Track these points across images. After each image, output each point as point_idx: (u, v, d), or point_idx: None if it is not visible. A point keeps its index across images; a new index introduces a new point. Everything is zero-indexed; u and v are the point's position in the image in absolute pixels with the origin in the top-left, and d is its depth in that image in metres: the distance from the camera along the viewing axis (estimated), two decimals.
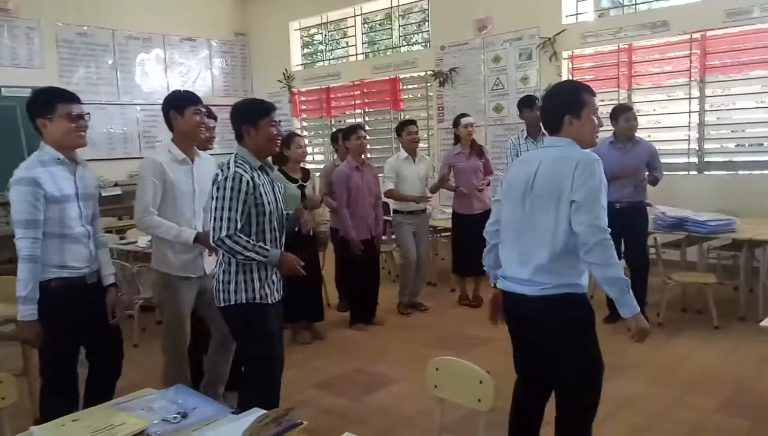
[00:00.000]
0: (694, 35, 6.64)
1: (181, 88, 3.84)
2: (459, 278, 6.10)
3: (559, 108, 2.47)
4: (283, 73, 10.59)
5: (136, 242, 5.85)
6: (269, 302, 2.85)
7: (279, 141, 2.94)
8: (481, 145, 5.96)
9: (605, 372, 2.49)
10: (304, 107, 10.77)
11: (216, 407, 2.15)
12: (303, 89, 10.59)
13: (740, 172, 6.65)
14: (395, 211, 5.93)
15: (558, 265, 2.36)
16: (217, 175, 2.78)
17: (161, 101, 3.34)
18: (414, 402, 3.80)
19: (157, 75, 9.96)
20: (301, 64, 10.90)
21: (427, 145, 8.89)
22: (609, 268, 2.28)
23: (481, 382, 2.17)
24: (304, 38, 10.94)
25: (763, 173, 6.47)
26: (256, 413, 1.98)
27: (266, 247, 2.78)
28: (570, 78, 7.62)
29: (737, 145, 7.02)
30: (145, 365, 4.18)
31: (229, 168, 2.75)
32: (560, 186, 2.33)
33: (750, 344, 4.28)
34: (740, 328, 4.86)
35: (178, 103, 3.24)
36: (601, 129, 2.58)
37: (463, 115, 5.93)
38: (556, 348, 2.45)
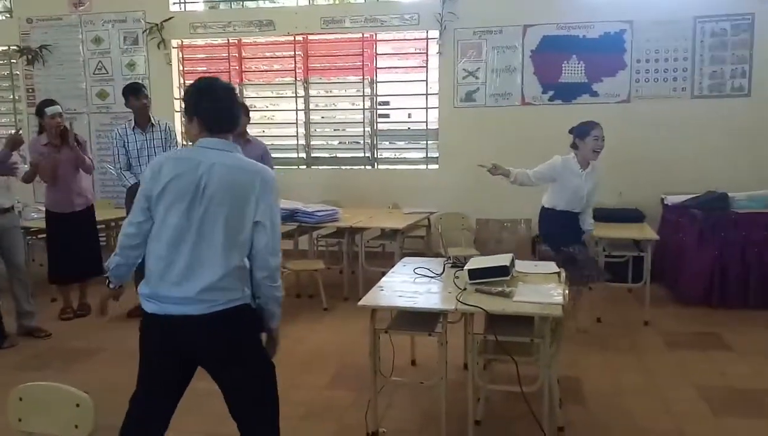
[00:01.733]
0: (298, 37, 7.06)
1: None
2: (60, 286, 5.26)
3: (239, 110, 2.36)
4: None
5: None
6: None
7: None
8: (75, 135, 5.13)
9: None
10: None
11: None
12: None
13: (342, 167, 7.34)
14: None
15: (230, 281, 2.16)
16: None
17: None
18: None
19: None
20: None
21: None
22: (278, 289, 2.28)
23: (78, 405, 1.86)
24: None
25: (360, 168, 7.27)
26: None
27: None
28: (181, 68, 7.38)
29: (340, 143, 7.73)
30: None
31: None
32: (242, 201, 2.16)
33: (353, 322, 4.69)
34: (345, 307, 5.32)
35: None
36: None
37: (49, 102, 4.98)
38: (234, 361, 2.21)
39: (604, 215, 5.62)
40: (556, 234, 4.49)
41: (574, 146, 4.44)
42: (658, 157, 6.37)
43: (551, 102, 6.59)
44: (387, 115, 7.28)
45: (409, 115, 7.24)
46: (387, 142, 7.47)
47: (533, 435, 2.90)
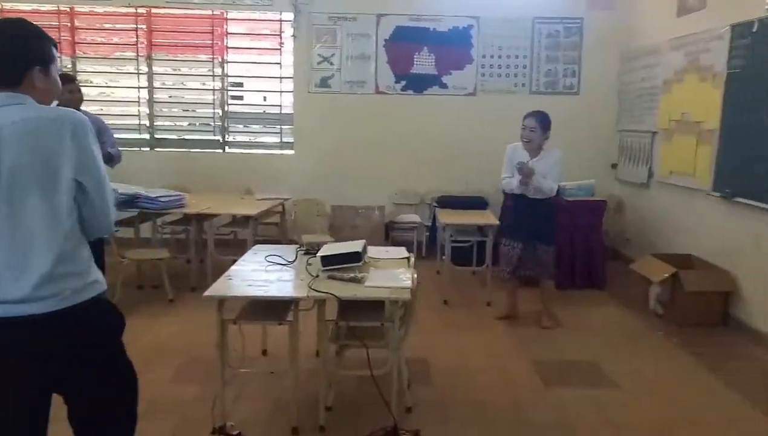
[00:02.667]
0: (140, 10, 6.59)
1: None
2: None
3: (25, 55, 1.80)
4: None
5: None
6: None
7: None
8: None
9: None
10: None
11: None
12: None
13: (191, 150, 6.99)
14: None
15: (70, 265, 1.79)
16: None
17: None
18: None
19: None
20: None
21: None
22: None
23: None
24: None
25: (211, 152, 6.97)
26: None
27: None
28: None
29: (189, 124, 7.33)
30: None
31: None
32: (53, 159, 1.73)
33: (201, 313, 4.47)
34: (192, 298, 5.07)
35: None
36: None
37: None
38: (89, 368, 1.87)
39: (451, 203, 5.90)
40: (503, 222, 4.93)
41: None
42: (501, 148, 6.74)
43: (404, 92, 6.76)
44: (240, 98, 7.04)
45: (265, 99, 7.05)
46: (241, 126, 7.22)
47: (383, 417, 2.96)
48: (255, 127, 7.28)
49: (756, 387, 3.63)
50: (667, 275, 4.72)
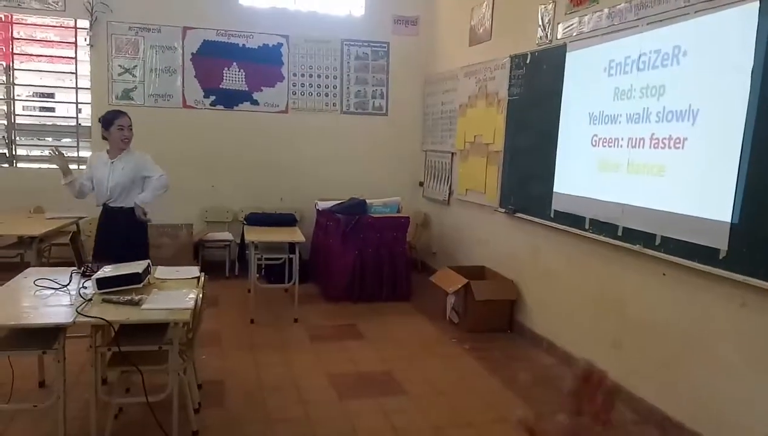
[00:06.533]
0: None
1: None
2: None
3: None
4: None
5: None
6: None
7: None
8: None
9: None
10: None
11: None
12: None
13: None
14: None
15: None
16: None
17: None
18: None
19: None
20: None
21: None
22: None
23: None
24: None
25: None
26: None
27: None
28: None
29: None
30: None
31: None
32: None
33: None
34: None
35: None
36: None
37: None
38: None
39: (261, 220, 5.85)
40: (96, 239, 4.15)
41: (104, 138, 4.12)
42: (314, 165, 6.88)
43: (213, 107, 6.61)
44: (32, 108, 6.45)
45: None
46: (34, 139, 6.60)
47: None
48: (48, 141, 6.71)
49: (531, 387, 3.99)
50: (459, 285, 5.07)
